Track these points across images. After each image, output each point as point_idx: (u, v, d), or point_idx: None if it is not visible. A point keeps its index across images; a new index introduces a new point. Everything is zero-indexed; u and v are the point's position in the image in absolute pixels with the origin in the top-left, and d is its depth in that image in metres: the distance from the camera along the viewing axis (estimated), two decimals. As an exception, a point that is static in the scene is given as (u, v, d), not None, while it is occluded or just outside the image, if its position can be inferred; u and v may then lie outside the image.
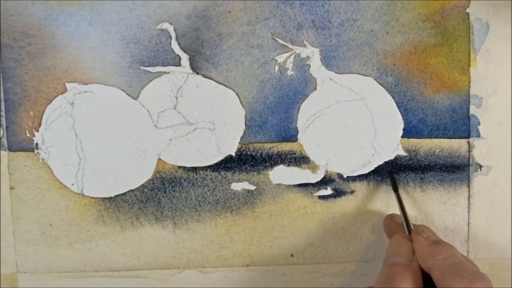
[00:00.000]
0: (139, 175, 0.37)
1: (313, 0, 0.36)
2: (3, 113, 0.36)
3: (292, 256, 0.39)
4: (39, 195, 0.37)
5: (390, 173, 0.38)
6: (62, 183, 0.37)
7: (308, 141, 0.38)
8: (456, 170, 0.38)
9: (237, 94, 0.37)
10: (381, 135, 0.38)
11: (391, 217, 0.36)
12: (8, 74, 0.36)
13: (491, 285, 0.28)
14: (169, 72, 0.36)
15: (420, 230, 0.32)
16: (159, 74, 0.36)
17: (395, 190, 0.37)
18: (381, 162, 0.38)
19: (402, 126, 0.38)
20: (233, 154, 0.37)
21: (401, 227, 0.34)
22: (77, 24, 0.36)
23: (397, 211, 0.36)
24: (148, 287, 0.38)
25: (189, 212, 0.38)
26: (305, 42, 0.37)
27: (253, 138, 0.37)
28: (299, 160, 0.38)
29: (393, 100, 0.37)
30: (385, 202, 0.38)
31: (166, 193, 0.37)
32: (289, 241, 0.38)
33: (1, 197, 0.37)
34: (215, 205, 0.38)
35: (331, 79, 0.37)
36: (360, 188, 0.38)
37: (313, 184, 0.38)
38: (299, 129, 0.37)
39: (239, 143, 0.37)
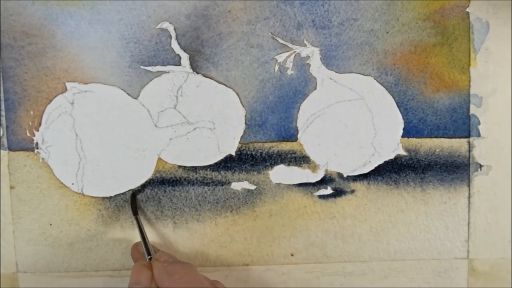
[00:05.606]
0: (139, 174, 0.37)
1: (313, -1, 0.36)
2: (3, 113, 0.36)
3: (292, 255, 0.39)
4: (39, 194, 0.37)
5: (132, 195, 0.37)
6: (62, 183, 0.37)
7: (308, 140, 0.38)
8: (456, 169, 0.38)
9: (237, 93, 0.37)
10: (381, 134, 0.38)
11: (136, 245, 0.36)
12: (8, 74, 0.36)
13: None
14: (169, 72, 0.36)
15: (158, 256, 0.33)
16: (159, 73, 0.36)
17: (135, 213, 0.36)
18: (381, 162, 0.38)
19: (402, 125, 0.38)
20: (233, 153, 0.37)
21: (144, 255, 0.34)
22: (77, 24, 0.36)
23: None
24: (148, 287, 0.38)
25: (189, 212, 0.38)
26: (305, 41, 0.37)
27: (253, 138, 0.37)
28: (299, 159, 0.38)
29: (393, 99, 0.37)
30: (385, 202, 0.38)
31: (166, 192, 0.37)
32: (289, 241, 0.38)
33: (1, 197, 0.37)
34: (215, 204, 0.38)
35: (331, 79, 0.37)
36: (360, 187, 0.38)
37: (313, 184, 0.38)
38: (299, 128, 0.37)
39: (239, 142, 0.37)
